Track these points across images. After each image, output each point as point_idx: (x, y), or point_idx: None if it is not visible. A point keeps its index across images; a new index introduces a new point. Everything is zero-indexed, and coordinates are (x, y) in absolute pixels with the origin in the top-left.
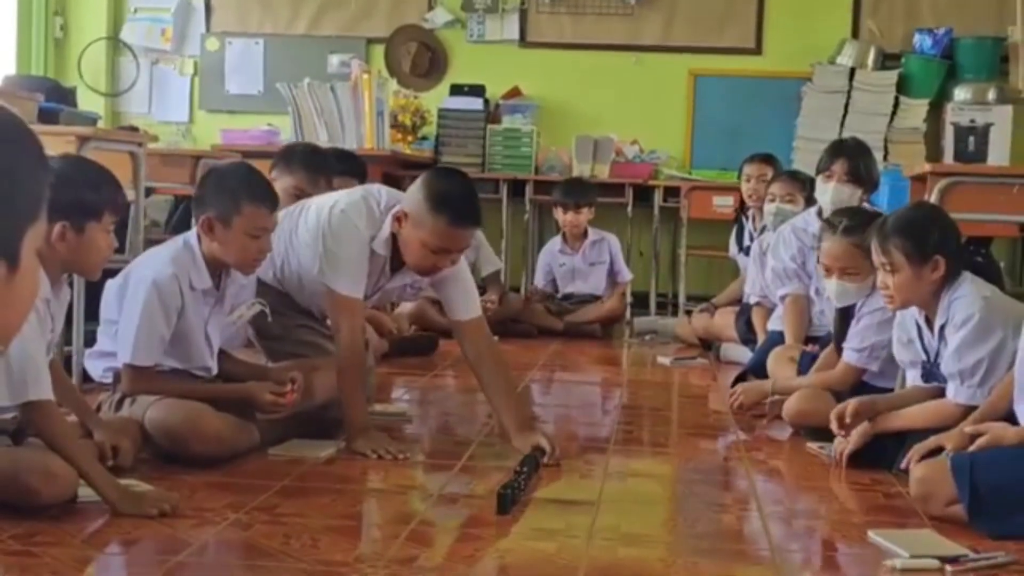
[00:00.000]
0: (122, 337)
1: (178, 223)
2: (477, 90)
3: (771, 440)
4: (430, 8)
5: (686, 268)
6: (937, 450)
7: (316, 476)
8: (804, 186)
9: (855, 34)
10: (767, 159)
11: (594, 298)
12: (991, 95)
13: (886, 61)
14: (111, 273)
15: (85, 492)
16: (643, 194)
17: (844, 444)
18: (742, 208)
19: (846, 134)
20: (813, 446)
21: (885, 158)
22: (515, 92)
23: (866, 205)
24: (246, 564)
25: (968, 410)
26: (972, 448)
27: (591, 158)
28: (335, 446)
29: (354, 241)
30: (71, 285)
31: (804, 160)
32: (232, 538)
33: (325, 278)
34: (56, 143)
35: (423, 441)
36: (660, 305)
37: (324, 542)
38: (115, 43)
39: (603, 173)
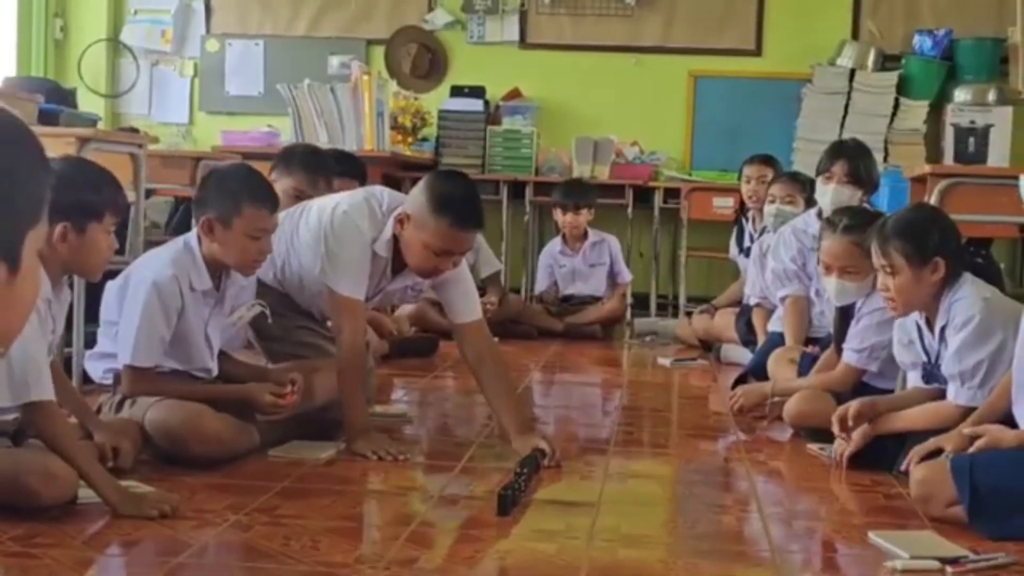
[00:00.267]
0: (122, 338)
1: (178, 224)
2: (477, 91)
3: (771, 441)
4: (430, 9)
5: (686, 269)
6: (937, 451)
7: (316, 477)
8: (804, 187)
9: (855, 35)
10: (767, 160)
11: (594, 299)
12: (991, 96)
13: (886, 62)
14: (111, 274)
15: (85, 493)
16: (643, 195)
17: (844, 445)
18: (742, 209)
19: (846, 135)
20: (813, 447)
21: (885, 159)
22: (515, 93)
23: (866, 206)
24: (246, 565)
25: (968, 411)
26: (971, 450)
27: (591, 159)
28: (335, 447)
29: (356, 242)
30: (71, 286)
31: (804, 161)
32: (232, 539)
33: (327, 279)
34: (56, 144)
35: (423, 442)
36: (660, 306)
37: (324, 543)
38: (115, 44)
39: (603, 174)
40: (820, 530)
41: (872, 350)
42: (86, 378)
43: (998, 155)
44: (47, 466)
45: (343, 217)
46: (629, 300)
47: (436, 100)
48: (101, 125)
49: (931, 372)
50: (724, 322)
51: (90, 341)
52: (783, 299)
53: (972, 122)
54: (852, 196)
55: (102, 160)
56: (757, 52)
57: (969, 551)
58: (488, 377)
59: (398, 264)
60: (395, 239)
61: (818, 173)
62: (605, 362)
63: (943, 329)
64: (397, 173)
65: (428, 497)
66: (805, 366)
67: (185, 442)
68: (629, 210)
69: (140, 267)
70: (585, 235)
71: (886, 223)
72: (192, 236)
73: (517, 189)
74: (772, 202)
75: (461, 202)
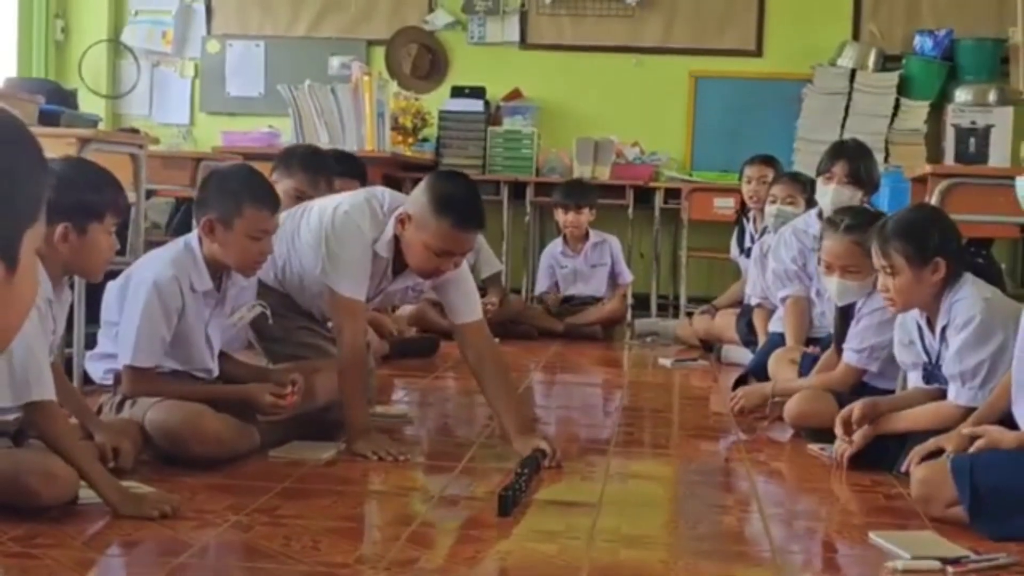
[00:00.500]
0: (123, 339)
1: (179, 225)
2: (478, 92)
3: (772, 441)
4: (431, 10)
5: (687, 270)
6: (938, 452)
7: (317, 478)
8: (805, 188)
9: (855, 36)
10: (768, 161)
11: (595, 300)
12: (992, 96)
13: (887, 63)
14: (112, 275)
15: (86, 494)
16: (644, 196)
17: (845, 446)
18: (743, 210)
19: (847, 136)
20: (814, 447)
21: (886, 160)
22: (516, 94)
23: (867, 206)
24: (247, 566)
25: (969, 412)
26: (970, 451)
27: (592, 160)
28: (336, 448)
29: (357, 243)
30: (72, 287)
31: (805, 162)
32: (233, 540)
33: (327, 279)
34: (57, 145)
35: (424, 443)
36: (661, 307)
37: (325, 544)
38: (116, 45)
39: (604, 175)
40: (821, 530)
41: (872, 350)
42: (87, 379)
43: (999, 155)
44: (47, 466)
45: (344, 217)
46: (630, 301)
47: (437, 101)
48: (102, 126)
49: (932, 372)
50: (725, 323)
51: (91, 342)
52: (784, 299)
53: (973, 122)
54: (852, 196)
55: (103, 161)
56: (758, 52)
57: (970, 551)
58: (488, 378)
59: (399, 265)
60: (396, 240)
61: (818, 173)
62: (606, 363)
63: (944, 329)
64: (398, 174)
65: (429, 497)
66: (806, 366)
67: (185, 442)
68: (630, 211)
69: (141, 268)
70: (586, 236)
71: (886, 223)
72: (193, 237)
73: (518, 190)
74: (773, 202)
75: (462, 203)
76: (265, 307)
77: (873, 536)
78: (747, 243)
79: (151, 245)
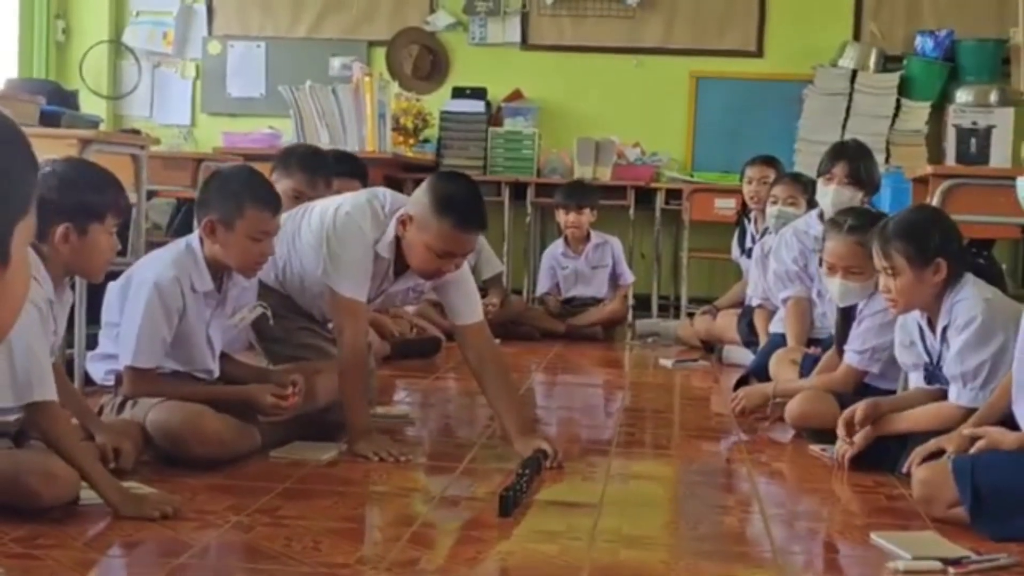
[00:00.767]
0: (124, 339)
1: (180, 226)
2: (479, 93)
3: (773, 442)
4: (431, 11)
5: (688, 270)
6: (939, 452)
7: (318, 478)
8: (806, 188)
9: (856, 36)
10: (769, 161)
11: (596, 301)
12: (993, 97)
13: (887, 63)
14: (113, 276)
15: (87, 494)
16: (645, 196)
17: (846, 446)
18: (744, 210)
19: (847, 136)
20: (815, 448)
21: (887, 160)
22: (516, 95)
23: (867, 207)
24: (248, 566)
25: (970, 412)
26: (972, 451)
27: (593, 160)
28: (337, 448)
29: (358, 243)
30: (73, 287)
31: (805, 162)
32: (234, 540)
33: (329, 280)
34: (58, 146)
35: (425, 443)
36: (662, 307)
37: (326, 544)
38: (117, 46)
39: (605, 175)
40: (822, 531)
41: (874, 351)
42: (88, 379)
43: (1000, 156)
44: (48, 467)
45: (345, 218)
46: (631, 301)
47: (438, 101)
48: (103, 127)
49: (933, 373)
50: (726, 323)
51: (91, 342)
52: (785, 300)
53: (974, 123)
54: (853, 197)
55: (104, 161)
56: (758, 53)
57: (971, 552)
58: (489, 378)
59: (400, 265)
60: (397, 240)
61: (819, 174)
62: (607, 363)
63: (945, 330)
64: (399, 174)
65: (430, 498)
66: (807, 367)
67: (186, 443)
68: (631, 211)
69: (142, 268)
70: (588, 237)
71: (887, 224)
72: (194, 237)
73: (519, 190)
74: (774, 203)
75: (463, 203)
76: (266, 308)
77: (874, 537)
78: (748, 244)
79: (152, 246)
